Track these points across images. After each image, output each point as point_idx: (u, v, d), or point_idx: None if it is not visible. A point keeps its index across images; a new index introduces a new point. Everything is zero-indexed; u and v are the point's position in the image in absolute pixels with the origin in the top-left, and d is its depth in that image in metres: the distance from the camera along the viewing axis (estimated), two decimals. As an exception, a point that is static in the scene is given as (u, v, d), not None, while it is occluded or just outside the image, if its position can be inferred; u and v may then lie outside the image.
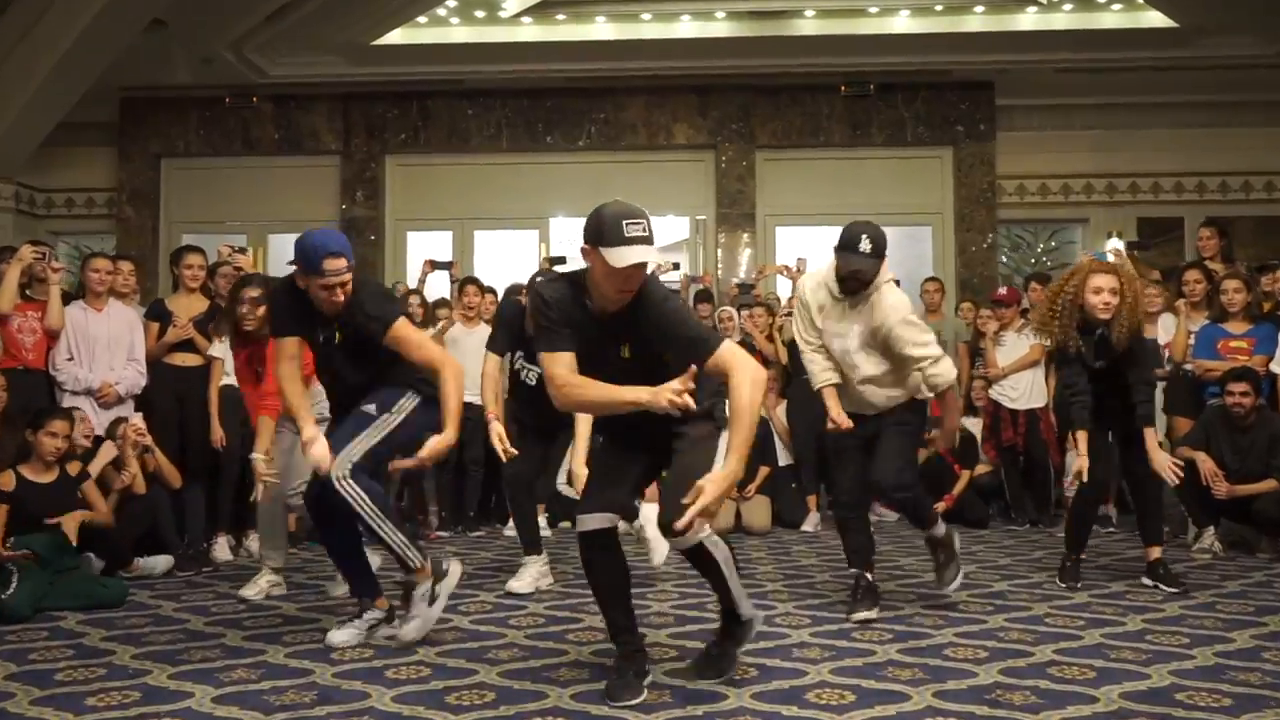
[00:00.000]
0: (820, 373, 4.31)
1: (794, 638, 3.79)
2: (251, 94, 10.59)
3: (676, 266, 8.98)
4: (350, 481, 3.63)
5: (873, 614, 4.09)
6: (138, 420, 5.40)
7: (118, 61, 8.94)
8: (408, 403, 3.84)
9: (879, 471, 4.20)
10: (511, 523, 6.78)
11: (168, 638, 3.85)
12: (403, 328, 3.78)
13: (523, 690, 3.13)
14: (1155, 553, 4.83)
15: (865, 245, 4.04)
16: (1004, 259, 11.06)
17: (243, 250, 6.31)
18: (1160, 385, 6.53)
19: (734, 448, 2.89)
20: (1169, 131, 10.57)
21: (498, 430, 4.82)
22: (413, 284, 8.16)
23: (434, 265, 7.48)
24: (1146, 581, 4.78)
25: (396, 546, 3.70)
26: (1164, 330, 6.58)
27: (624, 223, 2.90)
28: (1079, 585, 4.75)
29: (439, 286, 8.17)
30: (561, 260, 9.87)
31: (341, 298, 3.70)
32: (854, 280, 4.11)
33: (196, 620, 4.13)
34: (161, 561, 5.19)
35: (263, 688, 3.17)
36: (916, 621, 4.07)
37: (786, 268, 8.51)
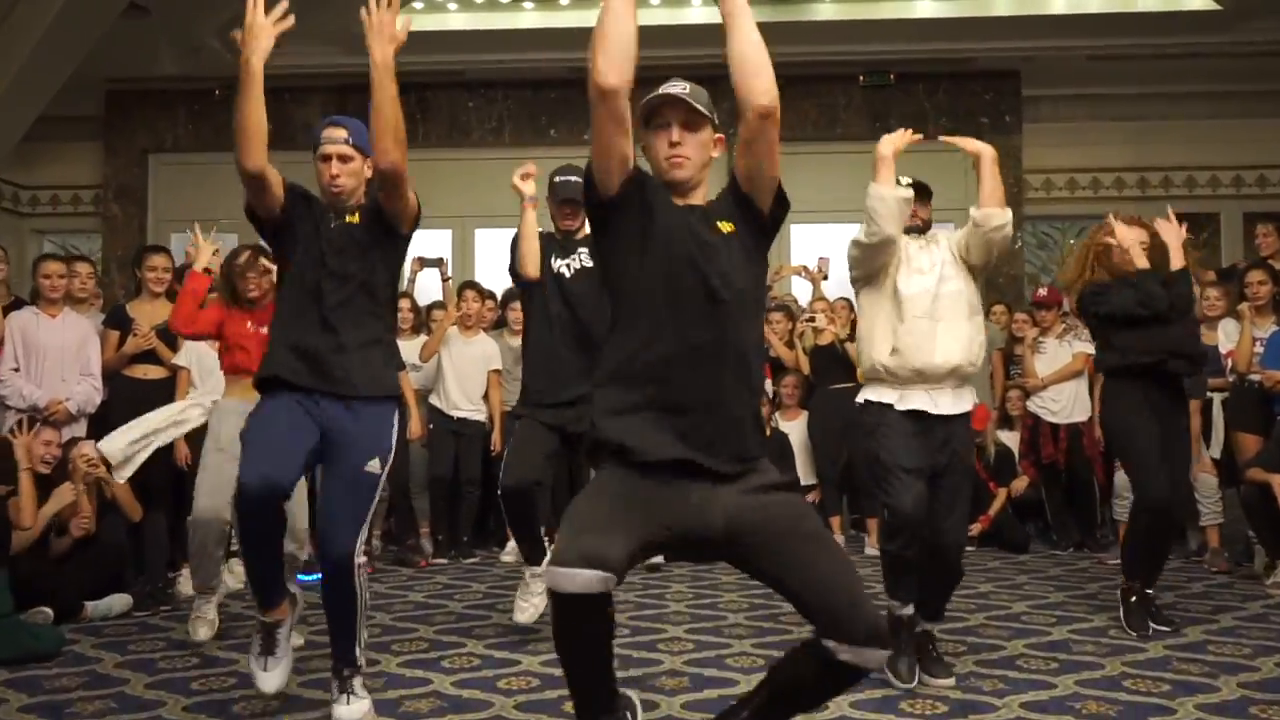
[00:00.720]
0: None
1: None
2: (241, 85, 10.15)
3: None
4: (362, 572, 3.11)
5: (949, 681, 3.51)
6: (88, 447, 4.76)
7: (102, 52, 8.53)
8: (396, 427, 3.28)
9: (949, 529, 3.60)
10: (511, 545, 6.31)
11: (95, 707, 3.29)
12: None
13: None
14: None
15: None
16: (1030, 258, 10.54)
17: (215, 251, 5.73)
18: (1221, 397, 5.99)
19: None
20: (1205, 122, 10.03)
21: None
22: (402, 286, 7.62)
23: (423, 263, 6.94)
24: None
25: (361, 636, 3.18)
26: (1225, 337, 6.00)
27: (661, 89, 2.55)
28: (1149, 632, 4.19)
29: (429, 287, 7.64)
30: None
31: (337, 173, 3.28)
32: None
33: (137, 681, 3.57)
34: (118, 603, 4.64)
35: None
36: (973, 684, 3.53)
37: (805, 268, 7.97)
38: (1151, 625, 4.20)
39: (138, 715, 3.20)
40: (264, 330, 4.00)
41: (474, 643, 4.14)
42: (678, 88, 2.52)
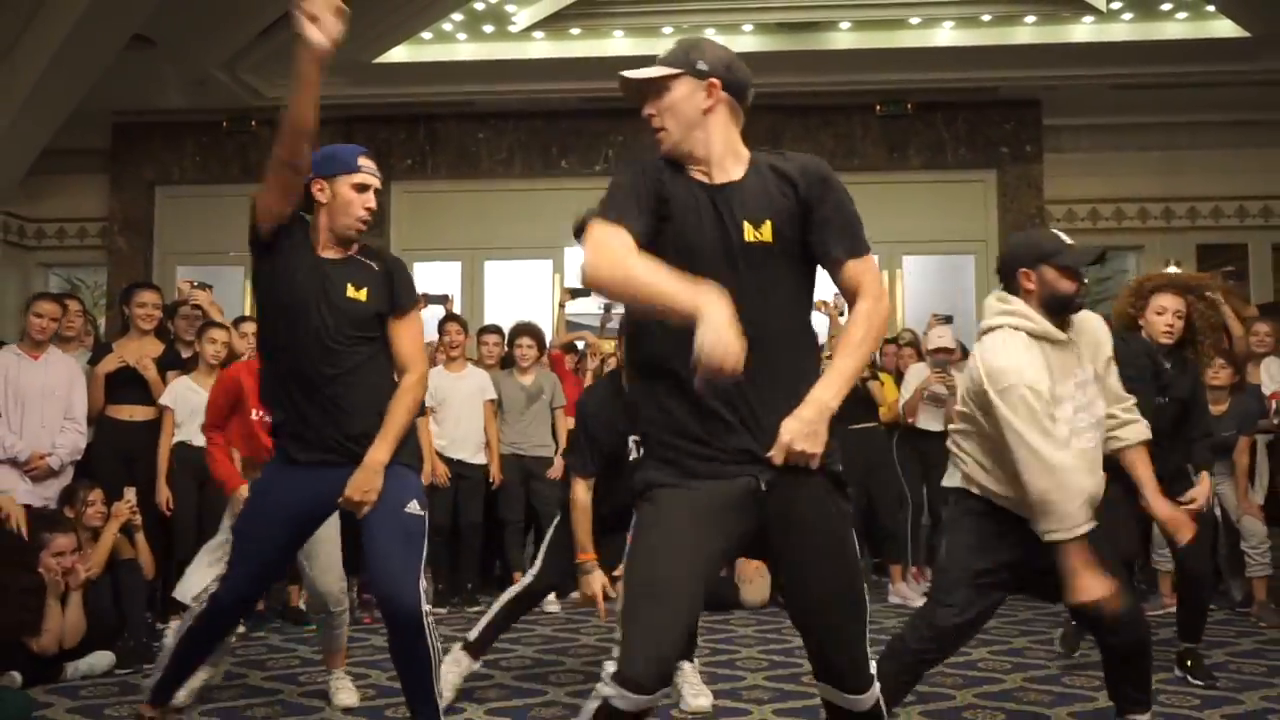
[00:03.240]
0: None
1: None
2: (249, 117, 10.12)
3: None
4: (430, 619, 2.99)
5: None
6: (131, 496, 4.73)
7: (108, 85, 8.47)
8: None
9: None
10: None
11: (61, 783, 3.08)
12: (418, 316, 3.32)
13: None
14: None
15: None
16: (1053, 290, 10.32)
17: (204, 286, 5.57)
18: (1266, 440, 5.72)
19: (837, 370, 2.19)
20: (1232, 151, 9.85)
21: (600, 581, 3.80)
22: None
23: (428, 300, 6.74)
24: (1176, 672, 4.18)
25: (438, 689, 3.07)
26: (1269, 376, 5.77)
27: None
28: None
29: (434, 324, 7.44)
30: (585, 293, 9.19)
31: (374, 206, 3.21)
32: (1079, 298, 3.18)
33: (107, 752, 3.36)
34: (100, 661, 4.40)
35: None
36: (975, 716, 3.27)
37: (824, 303, 7.73)
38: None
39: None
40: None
41: (474, 708, 3.88)
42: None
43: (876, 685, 2.30)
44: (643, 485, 2.23)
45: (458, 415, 6.28)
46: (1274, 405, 5.67)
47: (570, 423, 6.20)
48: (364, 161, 3.23)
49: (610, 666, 2.10)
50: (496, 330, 6.74)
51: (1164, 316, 4.02)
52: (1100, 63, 9.09)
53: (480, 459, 6.31)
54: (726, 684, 4.18)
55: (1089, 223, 10.15)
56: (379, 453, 3.00)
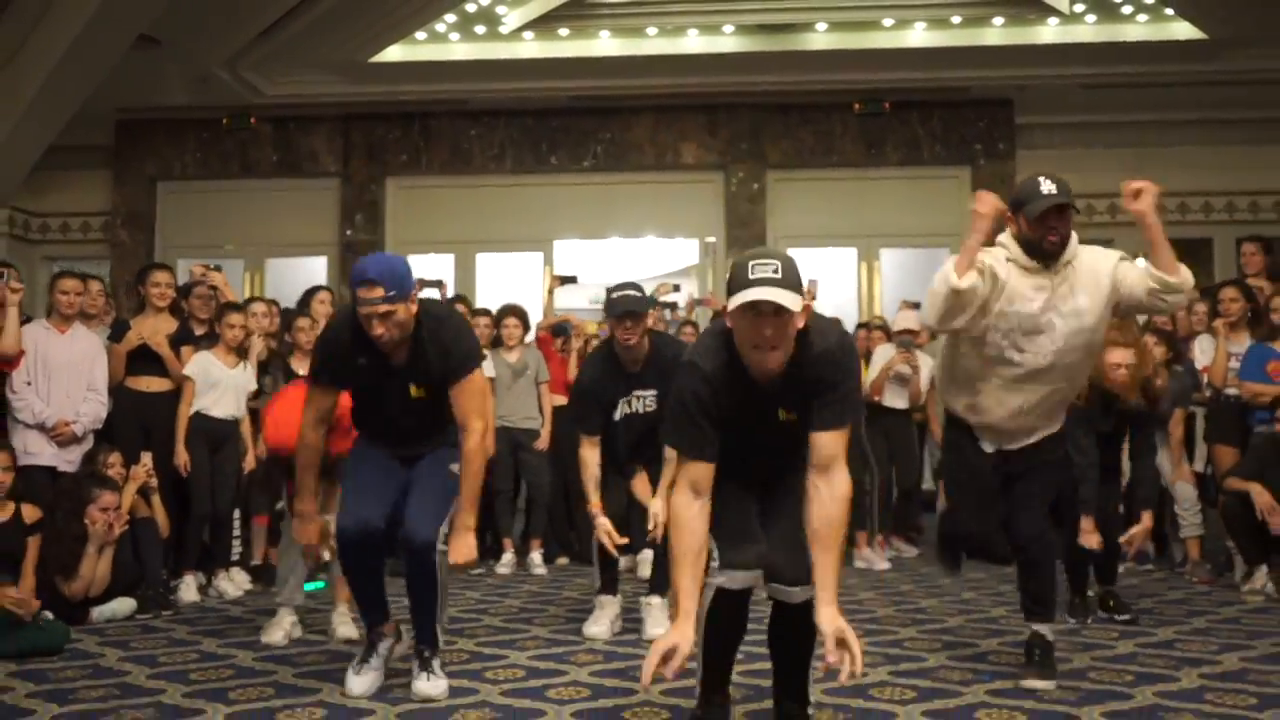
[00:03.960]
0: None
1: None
2: (249, 115, 10.41)
3: (677, 288, 8.61)
4: (438, 555, 3.42)
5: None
6: (148, 460, 5.16)
7: (112, 82, 8.73)
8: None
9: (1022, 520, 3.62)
10: (507, 557, 6.42)
11: (100, 693, 3.42)
12: (480, 376, 3.55)
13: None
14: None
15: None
16: (1026, 282, 10.67)
17: (217, 268, 5.95)
18: (1201, 412, 6.11)
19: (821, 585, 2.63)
20: (1197, 149, 10.18)
21: (605, 526, 4.28)
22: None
23: (423, 284, 7.05)
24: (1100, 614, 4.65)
25: (442, 621, 3.53)
26: (1201, 353, 6.14)
27: (751, 264, 2.58)
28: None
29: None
30: (572, 280, 9.52)
31: (382, 332, 3.31)
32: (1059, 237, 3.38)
33: (139, 672, 3.70)
34: (122, 607, 4.73)
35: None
36: (943, 675, 3.64)
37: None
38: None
39: (139, 700, 3.32)
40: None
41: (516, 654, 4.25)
42: (772, 294, 2.53)
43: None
44: None
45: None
46: (1205, 379, 6.06)
47: (555, 399, 6.60)
48: (360, 293, 3.32)
49: (715, 564, 2.72)
50: (486, 313, 7.08)
51: (1119, 371, 4.37)
52: (1067, 63, 9.42)
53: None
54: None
55: (1061, 218, 10.49)
56: (468, 519, 3.45)
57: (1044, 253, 3.37)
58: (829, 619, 2.54)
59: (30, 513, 4.65)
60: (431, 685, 3.38)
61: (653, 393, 4.32)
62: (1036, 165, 10.26)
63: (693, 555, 2.64)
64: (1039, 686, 3.42)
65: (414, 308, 3.40)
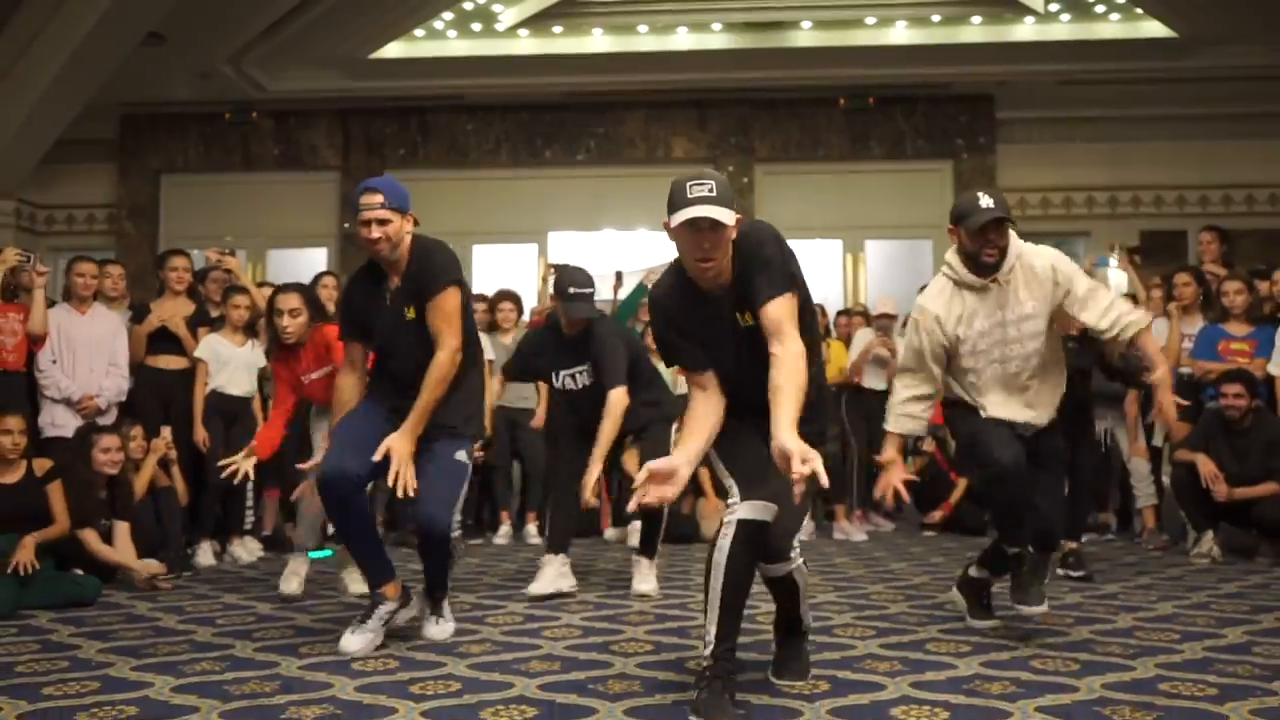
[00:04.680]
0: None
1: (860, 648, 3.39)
2: (251, 109, 10.66)
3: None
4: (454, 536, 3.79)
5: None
6: (167, 434, 5.53)
7: (118, 78, 8.99)
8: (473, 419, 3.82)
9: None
10: (504, 529, 6.78)
11: (137, 633, 3.78)
12: (452, 295, 3.59)
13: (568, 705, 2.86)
14: (1070, 544, 4.98)
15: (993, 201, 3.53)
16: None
17: (231, 252, 6.29)
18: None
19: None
20: (1171, 144, 10.51)
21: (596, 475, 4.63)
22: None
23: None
24: (1059, 571, 4.86)
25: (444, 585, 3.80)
26: (1157, 335, 6.49)
27: (688, 184, 2.80)
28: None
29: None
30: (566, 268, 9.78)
31: (377, 236, 3.52)
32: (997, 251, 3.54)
33: (169, 618, 4.06)
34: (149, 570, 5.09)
35: (225, 679, 3.10)
36: (927, 647, 3.99)
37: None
38: None
39: (172, 639, 3.67)
40: (314, 376, 4.56)
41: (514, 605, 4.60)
42: (709, 211, 2.75)
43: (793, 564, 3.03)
44: None
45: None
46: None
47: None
48: (362, 199, 3.53)
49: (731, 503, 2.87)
50: (482, 298, 7.42)
51: None
52: (1045, 60, 9.74)
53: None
54: (675, 622, 4.26)
55: (1040, 210, 10.78)
56: (416, 426, 3.55)
57: (983, 265, 3.58)
58: (790, 440, 2.57)
59: (40, 465, 4.84)
60: (440, 629, 3.72)
61: (583, 368, 4.72)
62: (1017, 159, 10.64)
63: (703, 423, 2.87)
64: (1034, 612, 3.63)
65: (409, 227, 3.62)
